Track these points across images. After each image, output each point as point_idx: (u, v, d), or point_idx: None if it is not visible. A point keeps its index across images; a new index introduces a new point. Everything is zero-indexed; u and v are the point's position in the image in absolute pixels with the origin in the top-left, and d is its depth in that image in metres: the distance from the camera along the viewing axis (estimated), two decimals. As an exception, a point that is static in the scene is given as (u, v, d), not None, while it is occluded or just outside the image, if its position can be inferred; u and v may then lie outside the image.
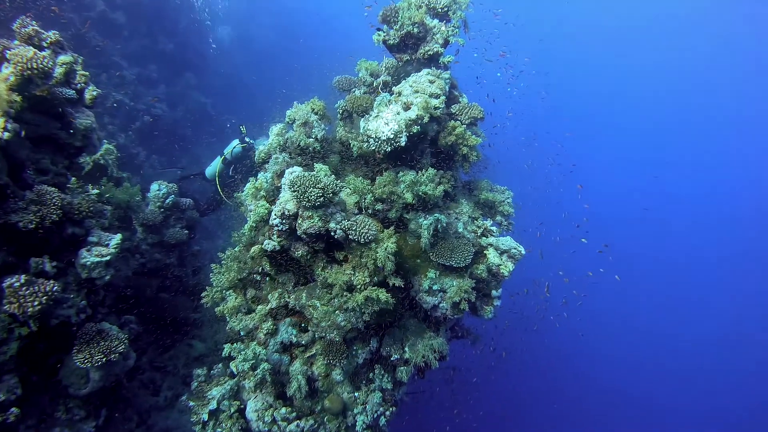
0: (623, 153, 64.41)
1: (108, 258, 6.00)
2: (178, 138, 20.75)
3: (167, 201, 9.62)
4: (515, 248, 6.76)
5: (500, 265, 6.71)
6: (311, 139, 7.20)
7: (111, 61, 18.64)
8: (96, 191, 8.39)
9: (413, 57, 7.33)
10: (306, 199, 5.61)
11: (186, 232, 9.92)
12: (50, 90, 6.04)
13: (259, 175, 7.02)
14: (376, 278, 5.97)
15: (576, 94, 62.92)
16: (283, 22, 38.48)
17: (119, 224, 8.42)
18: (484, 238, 6.92)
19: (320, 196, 5.59)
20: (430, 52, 7.09)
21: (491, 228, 7.00)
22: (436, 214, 6.36)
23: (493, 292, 6.95)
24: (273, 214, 5.98)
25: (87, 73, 6.54)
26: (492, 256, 6.72)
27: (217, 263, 6.86)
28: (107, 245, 6.17)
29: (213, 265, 6.78)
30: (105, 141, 9.39)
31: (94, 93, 6.51)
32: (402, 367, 6.74)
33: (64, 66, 6.20)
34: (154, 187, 9.65)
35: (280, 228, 5.98)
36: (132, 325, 7.89)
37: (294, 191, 5.68)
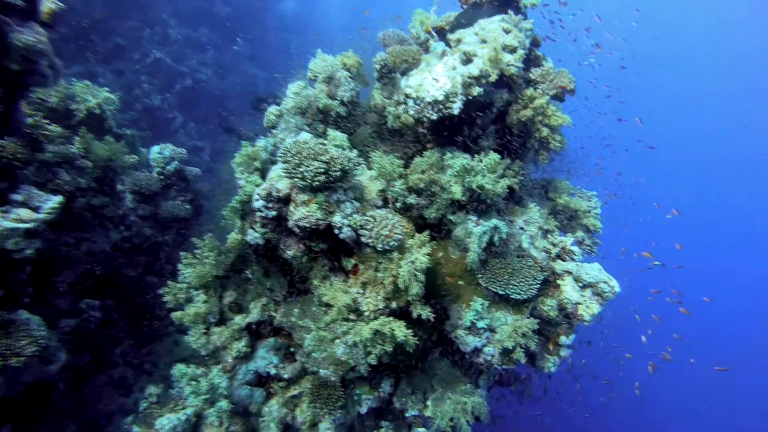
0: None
1: (30, 225, 4.35)
2: (223, 109, 19.40)
3: (169, 167, 8.03)
4: (605, 282, 4.61)
5: (580, 303, 4.60)
6: (335, 101, 5.32)
7: (158, 17, 17.54)
8: (79, 146, 6.93)
9: (484, 0, 5.27)
10: (300, 176, 3.73)
11: (188, 207, 8.31)
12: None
13: (258, 140, 5.23)
14: (394, 303, 4.05)
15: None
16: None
17: (96, 186, 6.87)
18: (560, 261, 4.81)
19: (322, 173, 3.70)
20: (510, -9, 5.01)
21: (571, 248, 4.86)
22: (493, 220, 4.34)
23: (563, 339, 4.85)
24: (256, 193, 4.16)
25: (47, -20, 4.91)
26: (569, 288, 4.62)
27: (190, 251, 5.12)
28: (38, 208, 4.53)
29: (183, 253, 5.04)
30: (106, 89, 7.93)
31: (53, 6, 4.86)
32: (420, 429, 4.79)
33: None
34: (155, 149, 8.06)
35: (264, 215, 4.14)
36: (93, 312, 6.37)
37: (285, 162, 3.82)
